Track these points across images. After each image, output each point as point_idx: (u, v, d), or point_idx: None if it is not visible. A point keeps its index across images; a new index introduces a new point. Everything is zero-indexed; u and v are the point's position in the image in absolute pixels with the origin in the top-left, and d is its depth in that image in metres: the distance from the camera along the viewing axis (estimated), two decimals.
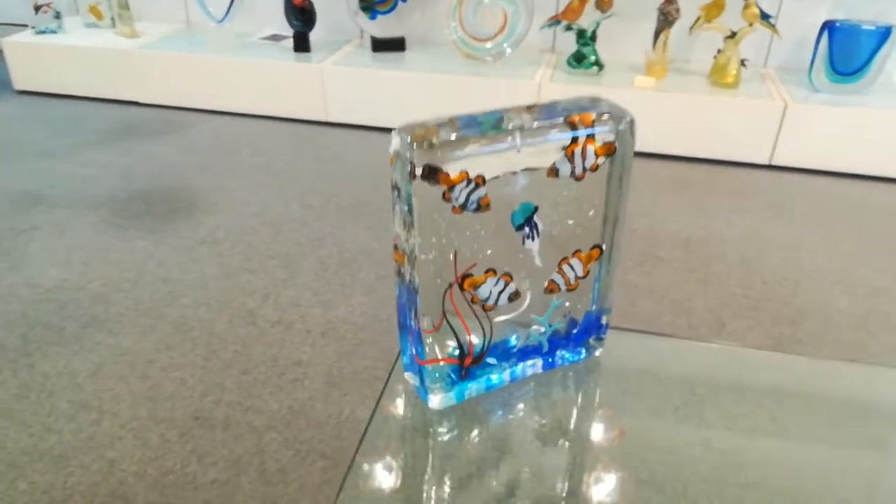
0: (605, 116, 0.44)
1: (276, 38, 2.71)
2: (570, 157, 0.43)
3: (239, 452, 1.20)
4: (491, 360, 0.49)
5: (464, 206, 0.42)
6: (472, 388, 0.50)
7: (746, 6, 2.17)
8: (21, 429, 1.24)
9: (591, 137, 0.43)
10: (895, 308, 1.62)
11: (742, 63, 2.24)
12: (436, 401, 0.49)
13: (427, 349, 0.46)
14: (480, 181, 0.41)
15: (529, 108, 0.44)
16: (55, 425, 1.25)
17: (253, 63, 2.51)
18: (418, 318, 0.44)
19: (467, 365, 0.48)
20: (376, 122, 2.47)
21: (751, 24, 2.18)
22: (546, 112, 0.43)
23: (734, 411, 0.54)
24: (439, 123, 0.41)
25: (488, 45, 2.44)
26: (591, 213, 0.46)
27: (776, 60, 2.45)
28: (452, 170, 0.40)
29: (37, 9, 2.65)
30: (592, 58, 2.34)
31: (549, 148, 0.42)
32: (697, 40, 2.42)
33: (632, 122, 0.44)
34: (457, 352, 0.47)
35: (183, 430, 1.25)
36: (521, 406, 0.51)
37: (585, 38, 2.32)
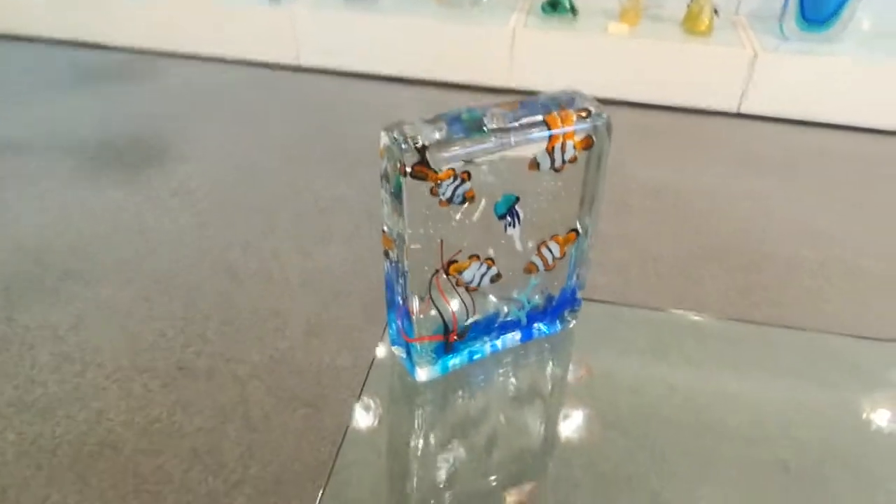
0: (584, 114, 0.47)
1: None
2: (551, 152, 0.46)
3: (223, 401, 1.24)
4: (473, 335, 0.53)
5: (450, 200, 0.44)
6: (456, 360, 0.54)
7: None
8: (5, 381, 1.27)
9: (570, 133, 0.46)
10: (850, 255, 1.69)
11: (714, 12, 2.24)
12: (422, 373, 0.53)
13: (415, 328, 0.49)
14: (466, 177, 0.44)
15: (511, 105, 0.46)
16: (39, 377, 1.28)
17: (225, 6, 2.44)
18: (408, 301, 0.47)
19: (451, 341, 0.51)
20: (349, 68, 2.44)
21: None
22: (527, 109, 0.45)
23: (696, 359, 0.60)
24: (426, 122, 0.43)
25: None
26: (568, 200, 0.49)
27: (748, 7, 2.45)
28: (440, 168, 0.43)
29: None
30: (567, 4, 2.32)
31: (530, 144, 0.45)
32: None
33: (608, 120, 0.47)
34: (442, 330, 0.51)
35: (166, 380, 1.28)
36: (500, 373, 0.56)
37: None
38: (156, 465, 1.13)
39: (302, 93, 2.37)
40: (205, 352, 1.34)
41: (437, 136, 0.42)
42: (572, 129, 0.46)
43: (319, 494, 0.48)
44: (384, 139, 0.43)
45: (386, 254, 0.49)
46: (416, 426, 0.53)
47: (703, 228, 1.76)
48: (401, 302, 0.49)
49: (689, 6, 2.26)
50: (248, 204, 1.76)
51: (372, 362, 0.55)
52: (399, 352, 0.54)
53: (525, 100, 0.47)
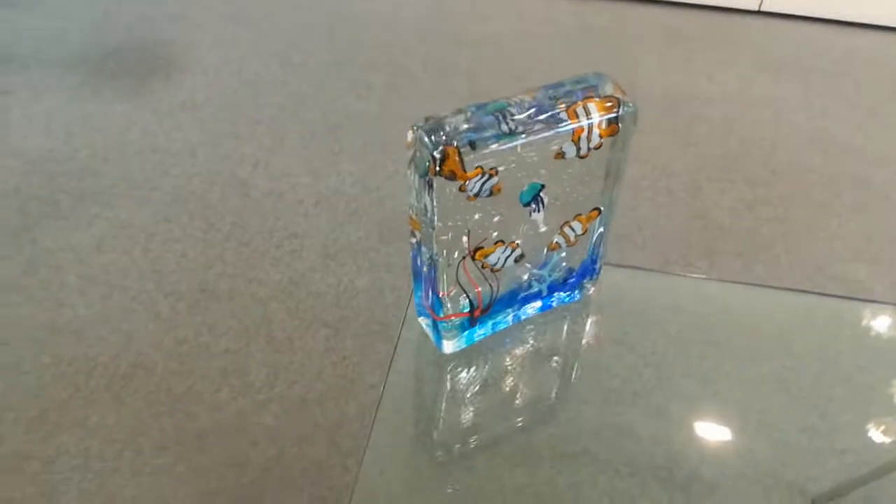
0: (609, 104, 0.47)
1: None
2: (577, 142, 0.46)
3: (246, 323, 1.30)
4: (496, 309, 0.55)
5: (478, 195, 0.45)
6: (481, 332, 0.57)
7: None
8: (34, 304, 1.31)
9: (597, 123, 0.46)
10: (863, 167, 1.68)
11: None
12: (449, 346, 0.56)
13: (444, 307, 0.52)
14: (494, 172, 0.45)
15: (532, 93, 0.46)
16: (67, 300, 1.33)
17: None
18: (436, 285, 0.50)
19: (476, 316, 0.54)
20: None
21: None
22: (551, 99, 0.45)
23: (707, 297, 0.64)
24: (454, 117, 0.44)
25: None
26: (592, 181, 0.50)
27: None
28: (469, 168, 0.44)
29: None
30: None
31: (556, 137, 0.46)
32: None
33: (634, 109, 0.47)
34: (468, 307, 0.53)
35: (191, 301, 1.33)
36: (524, 340, 0.59)
37: None
38: (187, 386, 1.19)
39: None
40: (226, 273, 1.38)
41: (467, 136, 0.43)
42: (599, 119, 0.46)
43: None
44: (413, 135, 0.43)
45: (412, 233, 0.50)
46: (445, 391, 0.57)
47: (715, 139, 1.74)
48: (428, 284, 0.51)
49: None
50: (255, 117, 1.75)
51: (399, 333, 0.58)
52: (425, 323, 0.57)
53: (549, 86, 0.47)
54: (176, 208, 1.51)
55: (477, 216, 0.47)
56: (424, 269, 0.51)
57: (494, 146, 0.43)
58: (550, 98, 0.46)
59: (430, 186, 0.44)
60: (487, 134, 0.43)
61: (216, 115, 1.75)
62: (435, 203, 0.44)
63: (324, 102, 1.80)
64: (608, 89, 0.47)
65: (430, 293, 0.51)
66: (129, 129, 1.71)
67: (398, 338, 0.58)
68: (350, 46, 2.01)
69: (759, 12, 2.20)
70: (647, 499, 0.50)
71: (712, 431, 0.56)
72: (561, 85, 0.47)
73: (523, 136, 0.44)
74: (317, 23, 2.11)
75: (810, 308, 0.67)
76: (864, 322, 0.65)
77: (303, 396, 1.19)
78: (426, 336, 0.57)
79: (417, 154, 0.44)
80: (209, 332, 1.28)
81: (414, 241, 0.51)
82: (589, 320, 0.62)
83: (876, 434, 0.55)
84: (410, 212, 0.49)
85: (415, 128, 0.44)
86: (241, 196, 1.54)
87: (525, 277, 0.55)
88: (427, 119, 0.44)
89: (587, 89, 0.47)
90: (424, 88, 1.86)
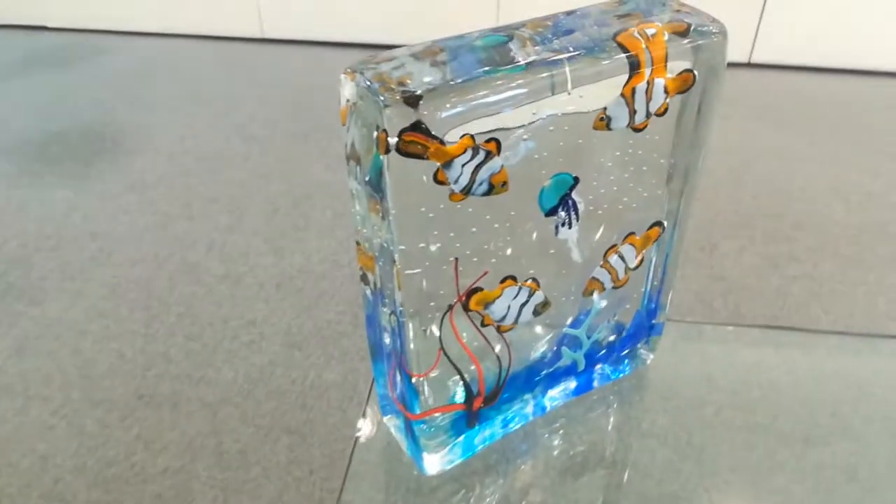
0: (681, 29, 0.27)
1: None
2: (630, 98, 0.27)
3: (191, 434, 1.06)
4: (508, 395, 0.34)
5: (468, 190, 0.25)
6: (485, 434, 0.35)
7: None
8: None
9: (660, 65, 0.27)
10: (891, 215, 1.52)
11: None
12: (434, 462, 0.34)
13: (421, 398, 0.30)
14: (494, 148, 0.24)
15: (551, 20, 0.27)
16: None
17: None
18: (405, 358, 0.29)
19: (477, 408, 0.33)
20: (321, 36, 2.21)
21: None
22: (581, 25, 0.26)
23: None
24: (416, 54, 0.24)
25: None
26: (650, 176, 0.30)
27: None
28: (449, 134, 0.23)
29: None
30: None
31: (596, 84, 0.26)
32: None
33: (724, 36, 0.28)
34: (462, 398, 0.32)
35: (125, 412, 1.09)
36: (552, 447, 0.37)
37: None
38: None
39: (266, 66, 2.15)
40: (168, 373, 1.15)
41: (440, 76, 0.23)
42: (665, 54, 0.26)
43: None
44: (348, 89, 0.24)
45: (363, 278, 0.30)
46: None
47: (722, 192, 1.58)
48: (393, 360, 0.30)
49: None
50: (212, 195, 1.56)
51: (354, 445, 0.36)
52: (394, 426, 0.35)
53: (577, 9, 0.27)
54: (114, 300, 1.29)
55: (471, 230, 0.27)
56: (386, 336, 0.30)
57: (489, 89, 0.24)
58: (578, 23, 0.26)
59: (381, 176, 0.24)
60: (474, 68, 0.24)
61: (168, 195, 1.56)
62: (390, 203, 0.24)
63: (289, 175, 1.63)
64: (677, 12, 0.28)
65: (398, 375, 0.31)
66: (69, 215, 1.51)
67: (350, 457, 0.36)
68: (316, 116, 1.85)
69: (748, 64, 2.09)
70: None
71: None
72: (594, 7, 0.28)
73: (537, 70, 0.24)
74: (281, 97, 1.96)
75: (864, 373, 0.47)
76: None
77: None
78: (399, 448, 0.36)
79: (357, 122, 0.24)
80: (145, 448, 1.04)
81: (368, 290, 0.31)
82: (646, 404, 0.40)
83: None
84: (357, 240, 0.29)
85: (352, 71, 0.24)
86: (191, 283, 1.33)
87: (548, 341, 0.34)
88: (371, 59, 0.24)
89: (646, 14, 0.28)
90: None
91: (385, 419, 0.36)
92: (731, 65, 1.86)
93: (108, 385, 1.14)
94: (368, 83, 0.23)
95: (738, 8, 1.99)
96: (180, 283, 1.33)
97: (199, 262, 1.38)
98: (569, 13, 0.27)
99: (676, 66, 0.27)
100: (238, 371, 1.15)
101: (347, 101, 0.24)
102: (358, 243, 0.28)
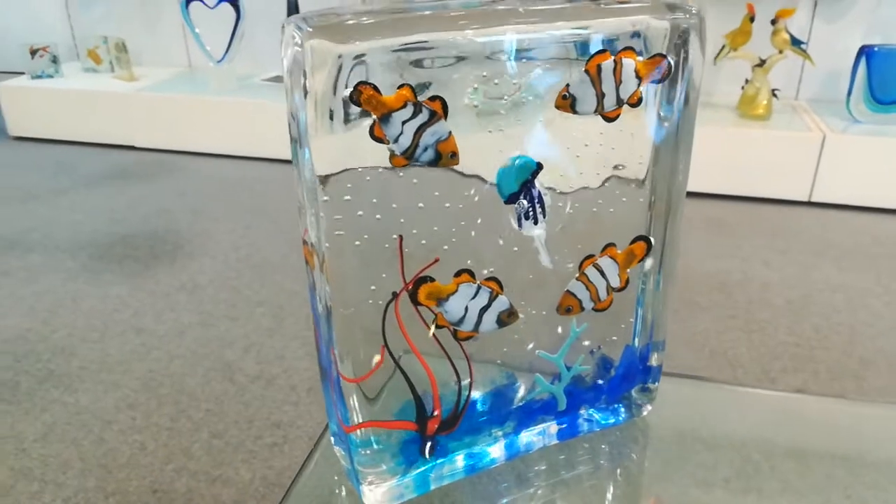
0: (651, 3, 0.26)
1: (278, 79, 2.60)
2: (595, 76, 0.25)
3: None
4: (472, 425, 0.30)
5: (411, 154, 0.23)
6: (443, 470, 0.31)
7: (775, 32, 2.01)
8: None
9: (628, 49, 0.25)
10: None
11: (773, 93, 2.07)
12: (376, 495, 0.30)
13: (357, 407, 0.27)
14: (438, 108, 0.23)
15: None
16: None
17: (253, 104, 2.39)
18: (335, 356, 0.26)
19: (432, 432, 0.29)
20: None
21: (781, 51, 2.03)
22: None
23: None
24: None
25: None
26: (630, 182, 0.28)
27: (808, 92, 2.28)
28: (384, 81, 0.22)
29: (33, 53, 2.57)
30: None
31: (550, 48, 0.24)
32: (721, 71, 2.27)
33: (700, 21, 0.27)
34: (412, 411, 0.28)
35: None
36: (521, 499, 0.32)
37: None
38: None
39: None
40: (187, 469, 1.12)
41: (379, 17, 0.22)
42: (632, 37, 0.25)
43: None
44: (286, 32, 0.23)
45: (312, 285, 0.28)
46: None
47: (782, 326, 1.49)
48: (332, 368, 0.27)
49: (743, 89, 2.10)
50: (258, 299, 1.58)
51: (298, 472, 0.33)
52: (343, 457, 0.31)
53: None
54: (146, 394, 1.28)
55: (415, 205, 0.25)
56: (322, 328, 0.28)
57: (438, 23, 0.22)
58: None
59: (303, 135, 0.22)
60: (417, 15, 0.23)
61: (215, 296, 1.60)
62: (313, 165, 0.22)
63: None
64: None
65: (332, 378, 0.27)
66: (119, 310, 1.55)
67: (290, 484, 0.32)
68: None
69: (808, 203, 2.05)
70: None
71: None
72: None
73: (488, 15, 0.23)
74: None
75: None
76: None
77: None
78: (351, 491, 0.32)
79: (293, 76, 0.24)
80: None
81: (312, 294, 0.29)
82: (646, 476, 0.35)
83: None
84: (305, 239, 0.27)
85: (287, 20, 0.24)
86: (224, 381, 1.32)
87: (518, 362, 0.31)
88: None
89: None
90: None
91: (336, 449, 0.32)
92: (792, 202, 1.83)
93: (124, 476, 1.10)
94: (301, 26, 0.22)
95: (799, 148, 1.99)
96: (213, 381, 1.32)
97: (235, 361, 1.37)
98: None
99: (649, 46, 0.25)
100: (255, 473, 1.11)
101: (289, 61, 0.24)
102: (304, 241, 0.26)
